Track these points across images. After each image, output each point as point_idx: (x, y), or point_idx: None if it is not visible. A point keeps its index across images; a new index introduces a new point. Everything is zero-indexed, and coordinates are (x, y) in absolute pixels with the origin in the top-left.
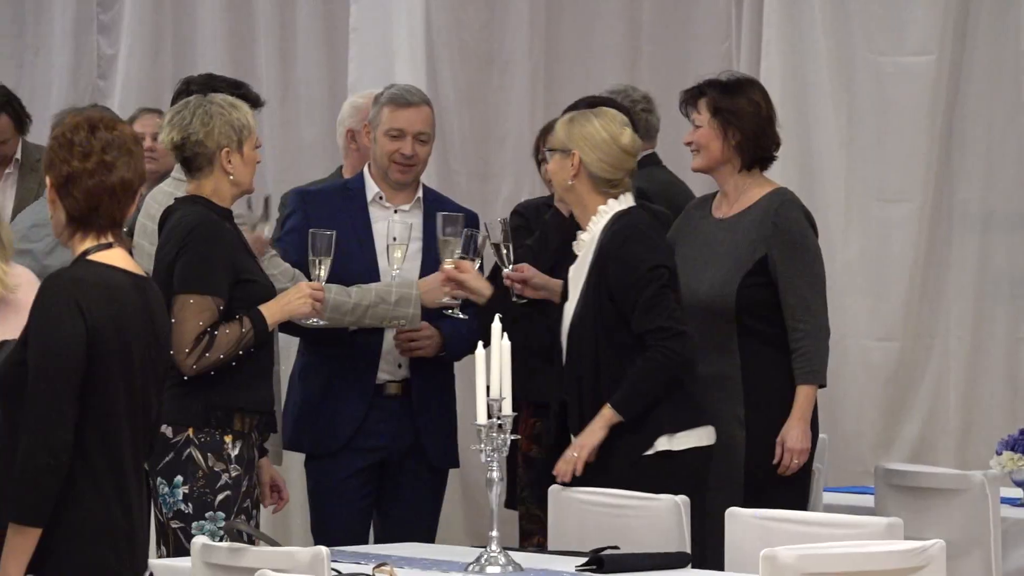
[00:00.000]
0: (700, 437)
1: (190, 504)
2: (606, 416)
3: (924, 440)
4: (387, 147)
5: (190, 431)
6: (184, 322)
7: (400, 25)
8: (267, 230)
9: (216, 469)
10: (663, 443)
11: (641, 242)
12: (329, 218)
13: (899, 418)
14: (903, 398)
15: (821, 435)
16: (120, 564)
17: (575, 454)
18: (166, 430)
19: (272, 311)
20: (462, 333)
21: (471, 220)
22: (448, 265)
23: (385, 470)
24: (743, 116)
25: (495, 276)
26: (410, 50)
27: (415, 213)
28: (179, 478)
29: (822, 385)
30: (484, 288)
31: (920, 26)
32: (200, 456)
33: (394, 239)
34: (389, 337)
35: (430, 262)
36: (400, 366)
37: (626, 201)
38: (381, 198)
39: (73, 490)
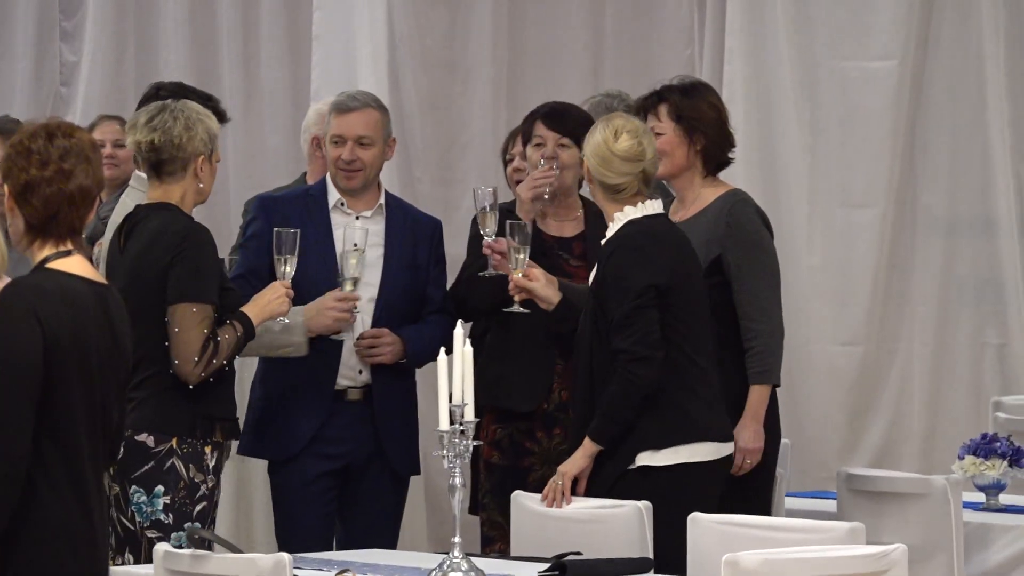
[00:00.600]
0: (692, 453)
1: (170, 515)
2: (586, 446)
3: (887, 445)
4: (331, 153)
5: (174, 441)
6: (189, 331)
7: (363, 32)
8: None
9: (196, 480)
10: (645, 458)
11: (631, 257)
12: (291, 224)
13: (862, 423)
14: (867, 403)
15: (784, 440)
16: (81, 568)
17: (558, 482)
18: (147, 439)
19: (254, 313)
20: (424, 340)
21: (437, 227)
22: (517, 274)
23: (348, 476)
24: (706, 121)
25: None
26: (373, 57)
27: (377, 219)
28: (160, 488)
29: (776, 385)
30: (553, 296)
31: (883, 31)
32: (182, 467)
33: (355, 245)
34: (349, 344)
35: (391, 269)
36: (360, 372)
37: (646, 209)
38: (342, 204)
39: (32, 496)
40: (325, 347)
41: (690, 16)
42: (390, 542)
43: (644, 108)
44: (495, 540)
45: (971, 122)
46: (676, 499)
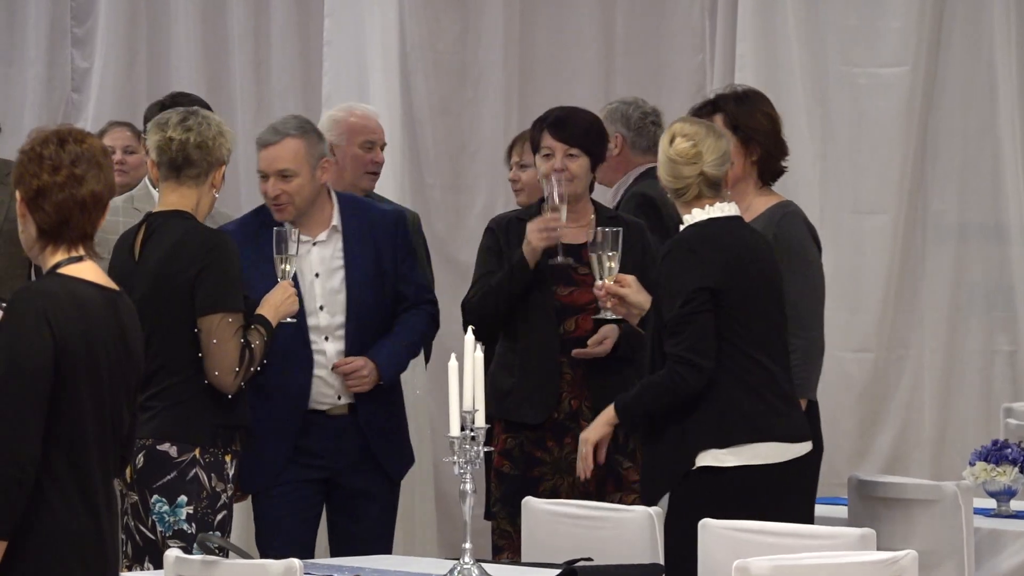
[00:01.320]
0: (755, 455)
1: (193, 524)
2: (607, 413)
3: (898, 451)
4: (260, 187)
5: (196, 451)
6: (227, 342)
7: (374, 38)
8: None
9: (217, 489)
10: (707, 459)
11: (681, 259)
12: (247, 255)
13: (873, 429)
14: (877, 409)
15: None
16: (88, 575)
17: (582, 449)
18: (169, 449)
19: (270, 315)
20: (399, 353)
21: (399, 219)
22: (609, 280)
23: (334, 486)
24: (762, 130)
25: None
26: (384, 63)
27: (334, 239)
28: (183, 498)
29: (811, 399)
30: (644, 302)
31: (894, 37)
32: (205, 476)
33: (316, 275)
34: (322, 373)
35: (355, 290)
36: (340, 398)
37: (713, 211)
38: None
39: (40, 501)
40: (296, 379)
41: (701, 22)
42: (385, 546)
43: (699, 117)
44: (505, 550)
45: (982, 128)
46: (731, 501)
